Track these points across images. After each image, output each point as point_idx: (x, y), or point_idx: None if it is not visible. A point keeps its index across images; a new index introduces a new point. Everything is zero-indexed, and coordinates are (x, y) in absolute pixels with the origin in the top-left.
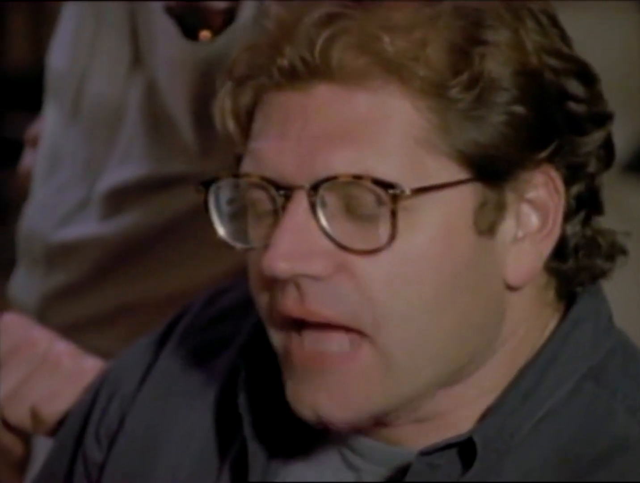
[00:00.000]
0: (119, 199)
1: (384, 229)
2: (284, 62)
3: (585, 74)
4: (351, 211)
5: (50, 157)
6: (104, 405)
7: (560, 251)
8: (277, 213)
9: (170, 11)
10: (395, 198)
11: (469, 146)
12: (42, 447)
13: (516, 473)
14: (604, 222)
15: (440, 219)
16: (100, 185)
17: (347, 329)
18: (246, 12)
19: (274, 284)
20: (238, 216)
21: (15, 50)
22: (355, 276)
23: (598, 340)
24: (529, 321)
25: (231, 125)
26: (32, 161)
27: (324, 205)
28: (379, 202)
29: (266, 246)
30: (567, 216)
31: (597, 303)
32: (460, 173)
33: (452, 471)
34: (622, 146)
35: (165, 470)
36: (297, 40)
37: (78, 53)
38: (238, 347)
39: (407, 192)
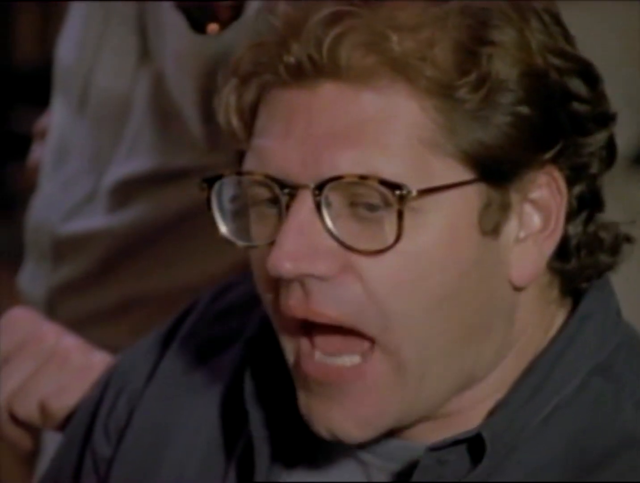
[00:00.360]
0: (125, 192)
1: (389, 229)
2: (291, 60)
3: (589, 74)
4: (356, 210)
5: (57, 151)
6: (112, 400)
7: (562, 251)
8: (280, 212)
9: (178, 5)
10: (401, 199)
11: (475, 146)
12: (51, 441)
13: (524, 468)
14: (609, 218)
15: (445, 219)
16: (107, 178)
17: (354, 334)
18: (254, 5)
19: (278, 282)
20: (240, 213)
21: (23, 44)
22: (360, 276)
23: (606, 336)
24: (535, 320)
25: (235, 121)
26: (40, 154)
27: (328, 205)
28: (385, 202)
29: (270, 245)
30: (569, 216)
31: (605, 298)
32: (465, 174)
33: (461, 466)
34: (627, 140)
35: (172, 465)
36: (304, 38)
37: (86, 47)
38: (244, 342)
39: (414, 193)
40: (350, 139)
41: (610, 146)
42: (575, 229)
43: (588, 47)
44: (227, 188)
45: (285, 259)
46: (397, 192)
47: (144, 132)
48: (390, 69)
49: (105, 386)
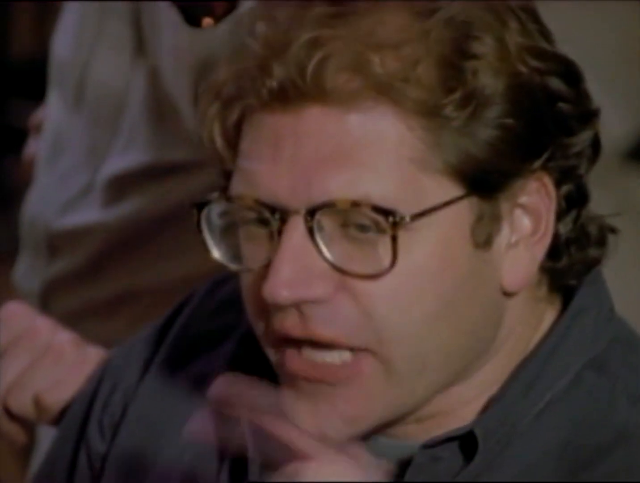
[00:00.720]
0: (121, 186)
1: (383, 252)
2: (274, 84)
3: (570, 73)
4: (348, 231)
5: (53, 145)
6: (106, 394)
7: (553, 250)
8: (272, 236)
9: None
10: (395, 225)
11: (464, 161)
12: (46, 436)
13: (518, 464)
14: (605, 213)
15: (438, 236)
16: (102, 172)
17: (349, 348)
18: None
19: (272, 306)
20: (230, 230)
21: (19, 39)
22: (356, 296)
23: (599, 331)
24: (523, 318)
25: (219, 143)
26: (36, 148)
27: (321, 229)
28: (378, 227)
29: (264, 268)
30: (559, 216)
31: (598, 293)
32: (455, 189)
33: (454, 463)
34: (625, 139)
35: (167, 461)
36: (287, 63)
37: (82, 41)
38: (238, 337)
39: (407, 219)
40: (339, 162)
41: (595, 143)
42: (565, 227)
43: (588, 47)
44: (215, 206)
45: (282, 287)
46: (391, 218)
47: (139, 127)
48: (375, 92)
49: (99, 381)
